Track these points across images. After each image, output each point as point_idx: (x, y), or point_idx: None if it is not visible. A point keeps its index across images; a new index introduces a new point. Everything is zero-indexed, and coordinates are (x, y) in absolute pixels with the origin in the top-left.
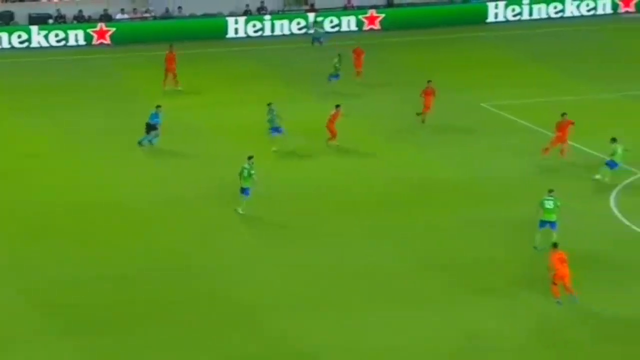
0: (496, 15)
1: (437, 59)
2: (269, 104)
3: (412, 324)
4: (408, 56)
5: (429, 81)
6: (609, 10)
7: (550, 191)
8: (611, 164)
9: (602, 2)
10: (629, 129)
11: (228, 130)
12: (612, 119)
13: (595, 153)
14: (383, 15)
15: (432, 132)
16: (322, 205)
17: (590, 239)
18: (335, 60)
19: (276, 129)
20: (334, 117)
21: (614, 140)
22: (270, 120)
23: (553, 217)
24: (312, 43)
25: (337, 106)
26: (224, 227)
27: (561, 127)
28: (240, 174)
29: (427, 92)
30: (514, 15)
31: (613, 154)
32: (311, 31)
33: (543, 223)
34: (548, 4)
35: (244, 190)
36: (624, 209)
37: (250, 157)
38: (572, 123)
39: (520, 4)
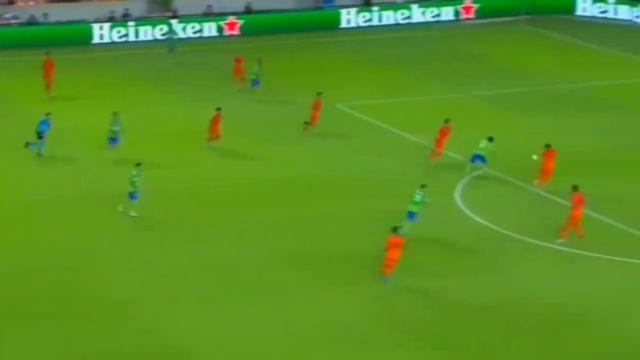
0: (348, 21)
1: (293, 63)
2: (114, 113)
3: (274, 314)
4: (266, 61)
5: (319, 93)
6: (451, 17)
7: (423, 186)
8: (482, 158)
9: (445, 9)
10: (477, 127)
11: (97, 135)
12: (460, 117)
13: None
14: (242, 21)
15: (295, 132)
16: (194, 204)
17: (436, 229)
18: (256, 66)
19: (113, 140)
20: (216, 119)
21: (490, 139)
22: (113, 130)
23: (414, 209)
24: (170, 50)
25: (218, 109)
26: (99, 226)
27: (442, 132)
28: (131, 180)
29: (316, 105)
30: (365, 21)
31: (485, 150)
32: (167, 36)
33: (410, 214)
34: (396, 11)
35: (132, 195)
36: (466, 202)
37: (138, 164)
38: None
39: (370, 10)
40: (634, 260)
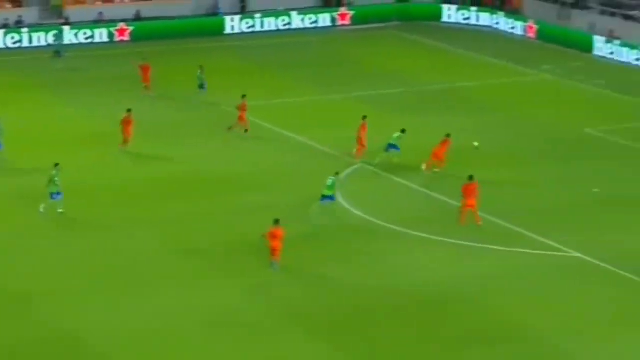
0: (232, 27)
1: (180, 67)
2: None
3: (169, 304)
4: (156, 65)
5: (243, 96)
6: (328, 23)
7: (337, 173)
8: (395, 147)
9: (323, 16)
10: (352, 125)
11: None
12: (339, 117)
13: (321, 147)
14: (132, 27)
15: (189, 133)
16: (98, 201)
17: (318, 223)
18: (198, 72)
19: None
20: (127, 121)
21: (403, 131)
22: None
23: (328, 193)
24: (57, 56)
25: (129, 110)
26: (9, 223)
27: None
28: (49, 181)
29: (242, 107)
30: (248, 28)
31: (398, 139)
32: (56, 42)
33: (323, 197)
34: (277, 18)
35: (52, 195)
36: (345, 194)
37: (56, 165)
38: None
39: (253, 17)
40: (495, 247)
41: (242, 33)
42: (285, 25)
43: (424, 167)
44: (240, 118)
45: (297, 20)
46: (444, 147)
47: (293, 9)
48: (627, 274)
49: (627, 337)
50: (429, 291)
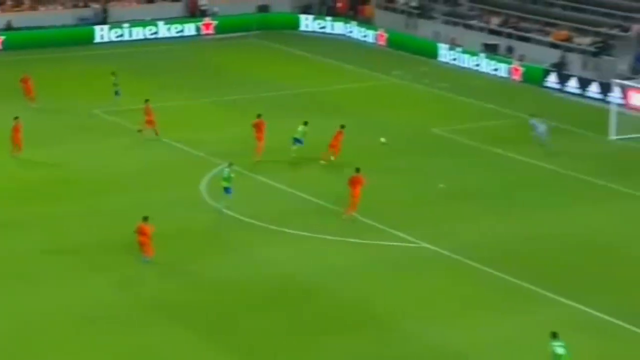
0: (102, 36)
1: (52, 74)
2: None
3: (43, 300)
4: (31, 73)
5: (146, 100)
6: (193, 32)
7: (231, 164)
8: (300, 141)
9: (188, 26)
10: (219, 129)
11: None
12: (203, 120)
13: (187, 149)
14: (4, 37)
15: (65, 135)
16: None
17: (183, 218)
18: (113, 78)
19: None
20: (16, 128)
21: (305, 123)
22: None
23: (226, 184)
24: None
25: (16, 118)
26: None
27: (335, 138)
28: None
29: (146, 111)
30: (117, 37)
31: (303, 134)
32: None
33: (225, 189)
34: (145, 27)
35: None
36: (210, 193)
37: None
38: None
39: (121, 27)
40: (351, 239)
41: (111, 42)
42: (152, 34)
43: (322, 162)
44: (148, 122)
45: (164, 30)
46: (339, 138)
47: (160, 19)
48: (471, 262)
49: (472, 320)
50: (292, 283)
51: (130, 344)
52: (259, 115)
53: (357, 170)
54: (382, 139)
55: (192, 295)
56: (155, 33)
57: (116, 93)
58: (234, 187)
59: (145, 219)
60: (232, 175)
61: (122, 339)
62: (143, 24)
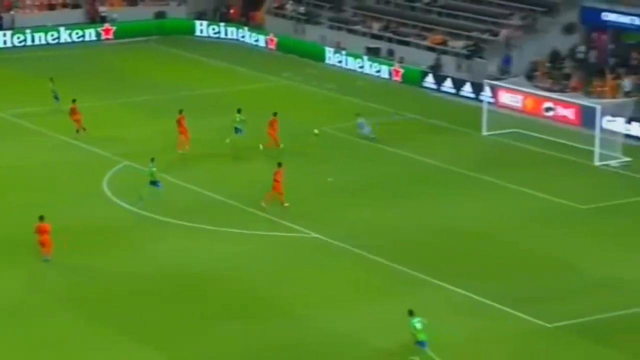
0: (5, 42)
1: None
2: None
3: None
4: None
5: (73, 100)
6: (94, 38)
7: (152, 159)
8: (240, 130)
9: (89, 31)
10: (122, 128)
11: None
12: (104, 121)
13: (89, 147)
14: None
15: None
16: None
17: (86, 214)
18: (50, 84)
19: None
20: None
21: (239, 110)
22: None
23: (151, 179)
24: None
25: None
26: None
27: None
28: None
29: (73, 111)
30: (20, 42)
31: (241, 122)
32: None
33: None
34: (46, 33)
35: None
36: (112, 189)
37: None
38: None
39: (24, 32)
40: (247, 231)
41: (14, 47)
42: (54, 39)
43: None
44: (77, 121)
45: (65, 35)
46: (274, 127)
47: (61, 25)
48: (358, 251)
49: (360, 304)
50: (190, 273)
51: (36, 337)
52: (180, 111)
53: (279, 164)
54: (315, 131)
55: (96, 288)
56: (57, 38)
57: (55, 98)
58: (159, 181)
59: (42, 218)
60: (154, 169)
61: (28, 332)
62: (45, 30)
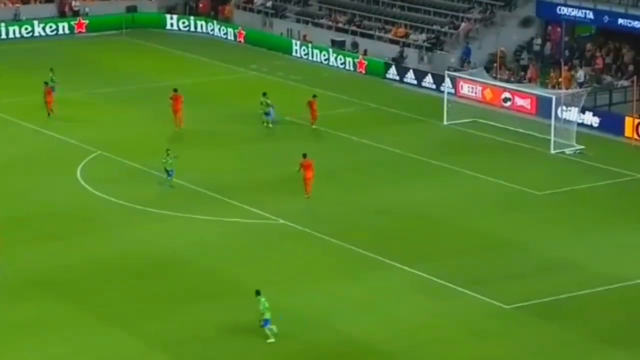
0: None
1: None
2: None
3: None
4: None
5: (45, 83)
6: (67, 31)
7: (168, 150)
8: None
9: (62, 24)
10: (96, 119)
11: None
12: (79, 112)
13: (64, 138)
14: None
15: None
16: None
17: (61, 203)
18: (50, 74)
19: None
20: None
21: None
22: None
23: (169, 168)
24: None
25: None
26: None
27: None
28: None
29: (48, 93)
30: None
31: (268, 106)
32: None
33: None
34: (21, 27)
35: None
36: (86, 178)
37: None
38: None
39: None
40: (214, 217)
41: None
42: (28, 33)
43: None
44: (48, 103)
45: (39, 29)
46: (314, 108)
47: (35, 19)
48: (322, 235)
49: (324, 286)
50: (157, 256)
51: (3, 320)
52: (175, 90)
53: (304, 155)
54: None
55: (65, 272)
56: (31, 32)
57: (53, 89)
58: (174, 170)
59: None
60: (170, 160)
61: None
62: (19, 23)
